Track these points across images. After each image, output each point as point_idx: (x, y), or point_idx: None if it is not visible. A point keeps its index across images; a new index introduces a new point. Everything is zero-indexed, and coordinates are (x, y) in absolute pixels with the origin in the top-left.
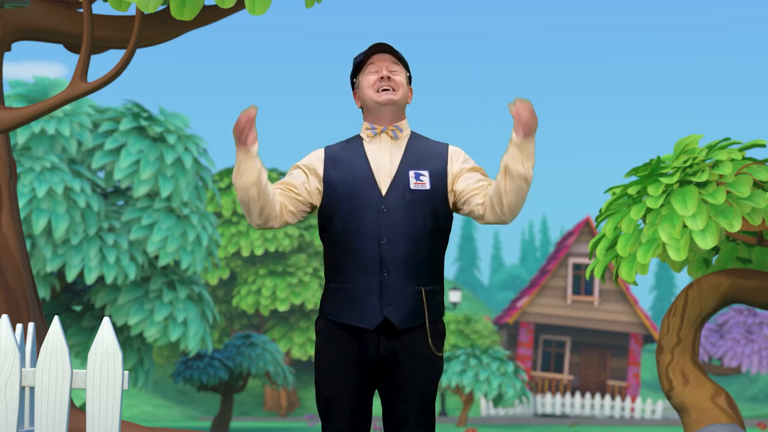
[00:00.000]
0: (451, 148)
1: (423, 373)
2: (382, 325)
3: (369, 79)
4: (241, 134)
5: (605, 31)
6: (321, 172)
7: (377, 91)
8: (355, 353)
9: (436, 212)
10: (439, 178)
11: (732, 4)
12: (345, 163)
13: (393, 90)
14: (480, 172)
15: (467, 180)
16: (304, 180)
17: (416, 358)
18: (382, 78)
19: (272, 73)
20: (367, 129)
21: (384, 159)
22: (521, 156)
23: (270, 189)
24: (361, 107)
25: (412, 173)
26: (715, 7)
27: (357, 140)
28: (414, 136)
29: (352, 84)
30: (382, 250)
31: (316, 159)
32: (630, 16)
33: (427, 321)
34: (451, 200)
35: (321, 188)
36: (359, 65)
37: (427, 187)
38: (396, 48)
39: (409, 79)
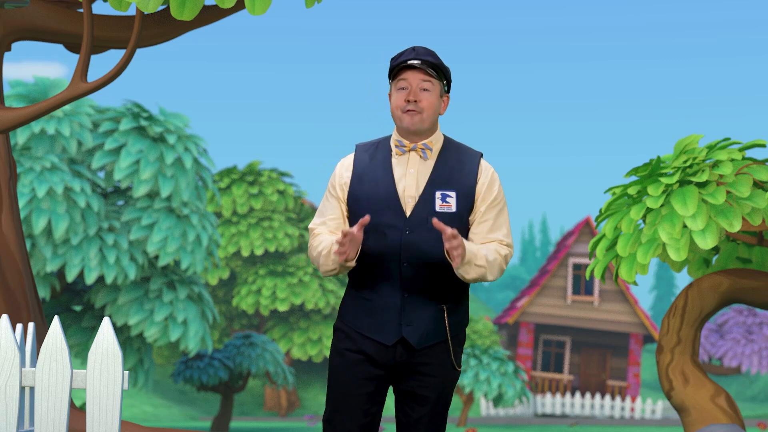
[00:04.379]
0: (483, 165)
1: (439, 380)
2: (399, 341)
3: (397, 97)
4: (342, 254)
5: (605, 31)
6: (348, 186)
7: (403, 112)
8: (371, 355)
9: (461, 231)
10: (466, 199)
11: (732, 4)
12: (371, 179)
13: (418, 113)
14: (491, 218)
15: (481, 232)
16: (340, 211)
17: (434, 366)
18: (408, 101)
19: (272, 73)
20: (396, 146)
21: (410, 179)
22: (462, 272)
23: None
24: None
25: (438, 194)
26: (714, 7)
27: (386, 149)
28: (445, 149)
29: (390, 84)
30: (404, 271)
31: (342, 176)
32: (630, 16)
33: (449, 337)
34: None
35: (346, 202)
36: (393, 70)
37: (453, 209)
38: (434, 51)
39: (447, 86)
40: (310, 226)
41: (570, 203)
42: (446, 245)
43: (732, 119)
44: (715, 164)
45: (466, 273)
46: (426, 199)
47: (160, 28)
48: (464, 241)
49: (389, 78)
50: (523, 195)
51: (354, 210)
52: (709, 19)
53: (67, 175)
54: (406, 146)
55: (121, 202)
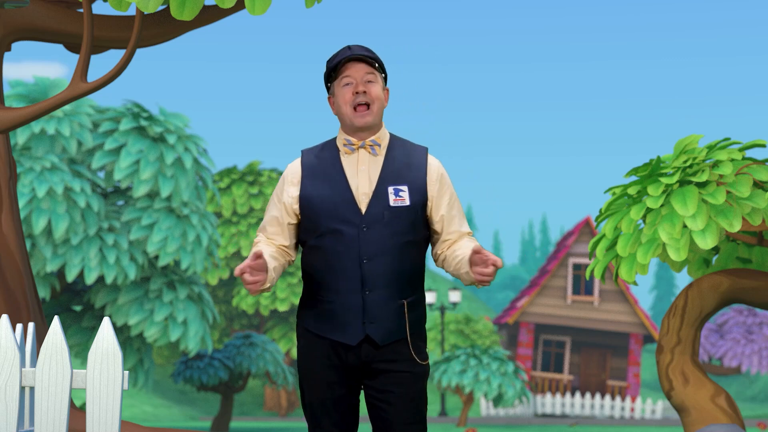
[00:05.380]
0: (430, 160)
1: (406, 377)
2: (364, 338)
3: (344, 93)
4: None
5: (605, 31)
6: (298, 192)
7: (354, 109)
8: (337, 358)
9: (416, 225)
10: (419, 193)
11: (732, 4)
12: (322, 179)
13: (369, 107)
14: (456, 214)
15: (451, 229)
16: (278, 218)
17: (399, 362)
18: (357, 93)
19: (272, 73)
20: (344, 144)
21: (362, 177)
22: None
23: (277, 264)
24: (337, 114)
25: (391, 189)
26: (714, 7)
27: (334, 150)
28: (392, 145)
29: (327, 87)
30: (364, 269)
31: (291, 183)
32: (630, 16)
33: (408, 334)
34: (427, 212)
35: (298, 206)
36: (332, 71)
37: (407, 203)
38: (371, 48)
39: (385, 79)
40: (257, 233)
41: (570, 203)
42: (487, 273)
43: (732, 119)
44: (715, 164)
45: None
46: (380, 195)
47: (160, 28)
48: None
49: (327, 81)
50: (523, 195)
51: (307, 212)
52: (709, 19)
53: (67, 175)
54: (354, 144)
55: (121, 202)
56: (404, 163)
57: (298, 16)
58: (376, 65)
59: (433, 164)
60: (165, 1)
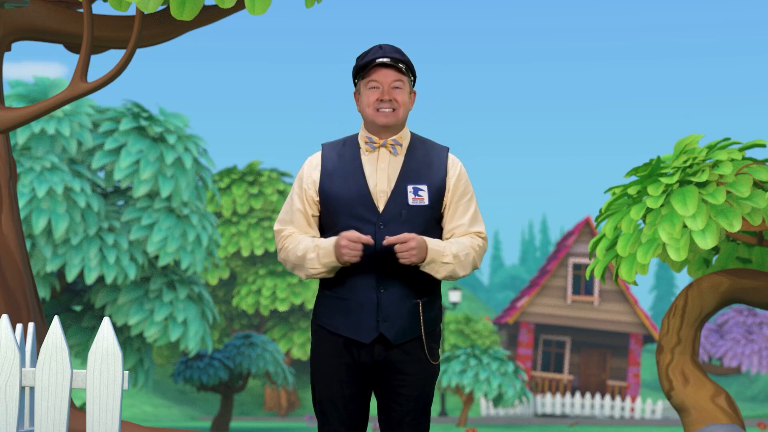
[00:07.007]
0: (451, 159)
1: (418, 377)
2: (378, 337)
3: (369, 96)
4: (352, 256)
5: (605, 31)
6: (317, 185)
7: (377, 111)
8: (350, 356)
9: (433, 224)
10: (438, 192)
11: (732, 4)
12: (341, 176)
13: (393, 110)
14: (462, 209)
15: (452, 224)
16: (305, 211)
17: (412, 363)
18: (382, 100)
19: (272, 73)
20: (366, 142)
21: (381, 175)
22: (429, 271)
23: None
24: (360, 112)
25: (410, 188)
26: (714, 7)
27: (355, 147)
28: (413, 144)
29: (355, 83)
30: (379, 267)
31: (310, 175)
32: (630, 16)
33: (423, 333)
34: (442, 211)
35: (318, 199)
36: (362, 69)
37: (426, 202)
38: (401, 48)
39: (413, 82)
40: (275, 227)
41: (570, 203)
42: (397, 253)
43: (732, 119)
44: (715, 164)
45: (435, 273)
46: (398, 194)
47: (160, 28)
48: (427, 240)
49: (355, 77)
50: (523, 195)
51: (326, 207)
52: (709, 19)
53: (67, 175)
54: (375, 143)
55: (121, 202)
56: (424, 162)
57: (298, 16)
58: (405, 69)
59: (455, 165)
60: (165, 1)
